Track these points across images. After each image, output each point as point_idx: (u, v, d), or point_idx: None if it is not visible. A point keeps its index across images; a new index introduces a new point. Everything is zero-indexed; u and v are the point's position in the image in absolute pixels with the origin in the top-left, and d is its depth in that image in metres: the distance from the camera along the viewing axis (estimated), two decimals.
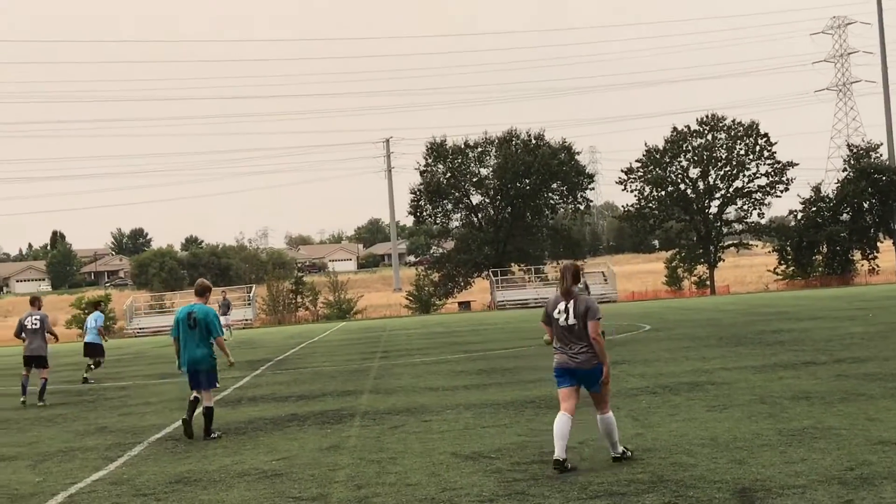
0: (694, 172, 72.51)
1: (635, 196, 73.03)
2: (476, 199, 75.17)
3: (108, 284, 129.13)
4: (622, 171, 73.42)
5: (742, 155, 71.37)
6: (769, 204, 72.44)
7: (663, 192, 72.45)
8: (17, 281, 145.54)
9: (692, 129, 72.15)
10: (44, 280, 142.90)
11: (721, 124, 71.75)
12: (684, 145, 72.15)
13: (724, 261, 75.50)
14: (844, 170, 71.29)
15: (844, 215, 69.32)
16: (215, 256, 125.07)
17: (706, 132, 71.95)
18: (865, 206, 68.93)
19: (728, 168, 71.57)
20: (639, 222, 74.65)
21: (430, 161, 74.62)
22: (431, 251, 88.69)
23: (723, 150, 71.62)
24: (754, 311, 31.21)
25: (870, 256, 68.04)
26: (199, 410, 10.48)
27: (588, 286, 21.13)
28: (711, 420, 9.28)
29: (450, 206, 75.28)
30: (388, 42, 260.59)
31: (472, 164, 74.94)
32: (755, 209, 72.32)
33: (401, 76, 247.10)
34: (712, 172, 71.91)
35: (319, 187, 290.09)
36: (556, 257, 74.52)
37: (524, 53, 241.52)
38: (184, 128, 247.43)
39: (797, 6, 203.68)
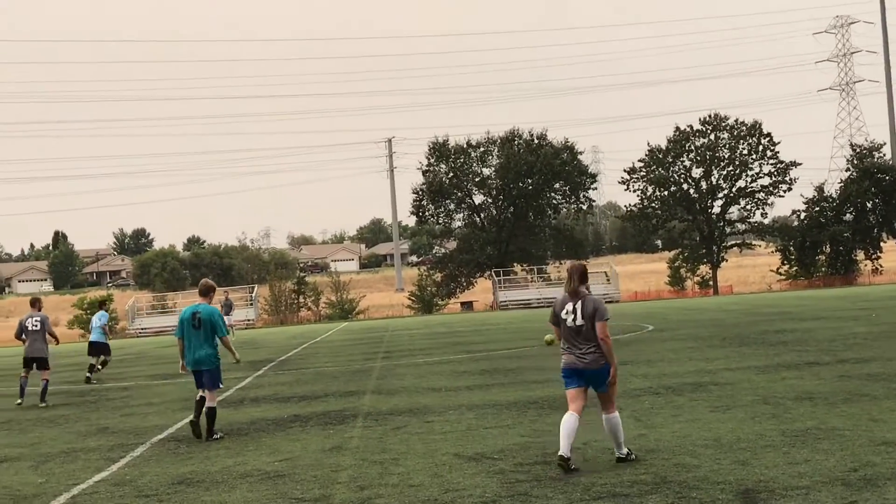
0: (697, 172, 72.50)
1: (638, 196, 73.09)
2: (478, 198, 75.26)
3: (110, 285, 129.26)
4: (625, 170, 73.53)
5: (745, 155, 71.34)
6: (772, 204, 72.56)
7: (666, 192, 72.43)
8: (19, 281, 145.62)
9: (695, 128, 72.14)
10: (46, 280, 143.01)
11: (724, 124, 71.72)
12: (687, 145, 72.13)
13: (727, 261, 75.48)
14: (847, 170, 71.23)
15: (848, 215, 69.29)
16: (217, 256, 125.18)
17: (709, 132, 71.92)
18: (868, 205, 68.87)
19: (731, 168, 71.54)
20: (641, 222, 74.64)
21: (432, 161, 74.66)
22: (434, 251, 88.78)
23: (726, 150, 71.59)
24: (757, 312, 31.17)
25: (873, 256, 67.99)
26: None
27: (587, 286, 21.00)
28: (715, 421, 9.25)
29: (452, 206, 75.32)
30: (389, 42, 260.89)
31: (475, 164, 74.97)
32: (758, 209, 72.34)
33: (403, 76, 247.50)
34: (715, 172, 71.88)
35: (322, 187, 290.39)
36: (559, 257, 74.55)
37: (527, 53, 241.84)
38: (186, 128, 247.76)
39: (800, 6, 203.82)
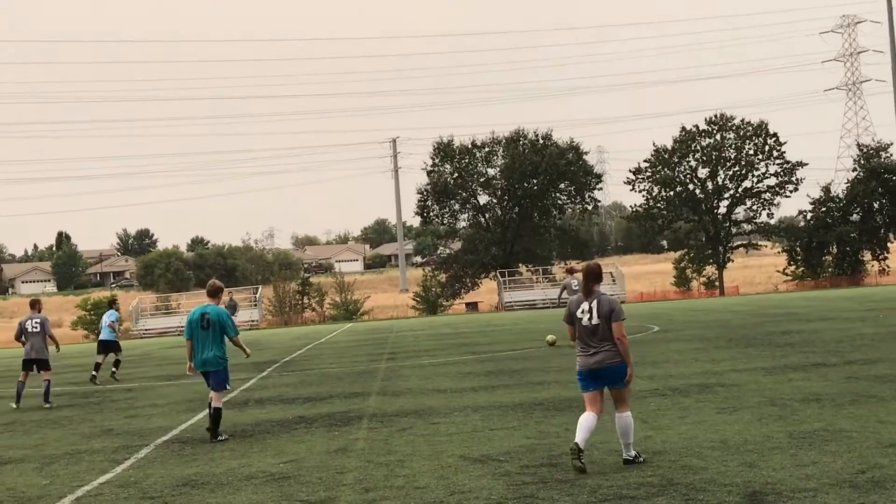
0: (703, 172, 72.34)
1: (643, 196, 72.93)
2: (483, 199, 75.17)
3: (113, 285, 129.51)
4: (630, 171, 73.35)
5: (751, 155, 71.17)
6: (778, 204, 72.37)
7: (672, 193, 72.30)
8: (23, 282, 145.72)
9: (701, 128, 71.98)
10: (49, 281, 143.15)
11: (730, 124, 71.56)
12: (693, 145, 71.98)
13: (733, 261, 75.31)
14: (854, 170, 71.00)
15: (854, 216, 69.06)
16: (221, 257, 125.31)
17: (715, 132, 71.76)
18: (875, 206, 68.65)
19: (737, 168, 71.37)
20: (647, 222, 74.50)
21: (437, 161, 74.63)
22: (438, 252, 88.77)
23: (732, 150, 71.43)
24: (764, 313, 31.09)
25: (880, 257, 67.78)
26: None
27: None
28: (721, 422, 9.21)
29: (457, 207, 75.26)
30: (391, 42, 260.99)
31: (480, 164, 74.91)
32: (764, 209, 72.13)
33: (405, 76, 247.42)
34: (721, 172, 71.72)
35: (326, 188, 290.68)
36: (564, 258, 74.46)
37: (530, 53, 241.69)
38: (189, 128, 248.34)
39: (807, 5, 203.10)
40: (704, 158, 71.86)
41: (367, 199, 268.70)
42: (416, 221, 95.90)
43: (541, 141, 73.87)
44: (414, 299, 71.22)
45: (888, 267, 67.43)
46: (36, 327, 15.38)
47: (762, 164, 71.16)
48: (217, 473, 8.43)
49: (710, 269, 72.43)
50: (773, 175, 71.20)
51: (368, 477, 7.78)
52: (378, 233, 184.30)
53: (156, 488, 7.95)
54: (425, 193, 73.61)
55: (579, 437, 7.35)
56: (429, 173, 74.44)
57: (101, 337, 20.59)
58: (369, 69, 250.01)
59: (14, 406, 15.35)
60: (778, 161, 70.92)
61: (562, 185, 73.63)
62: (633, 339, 21.92)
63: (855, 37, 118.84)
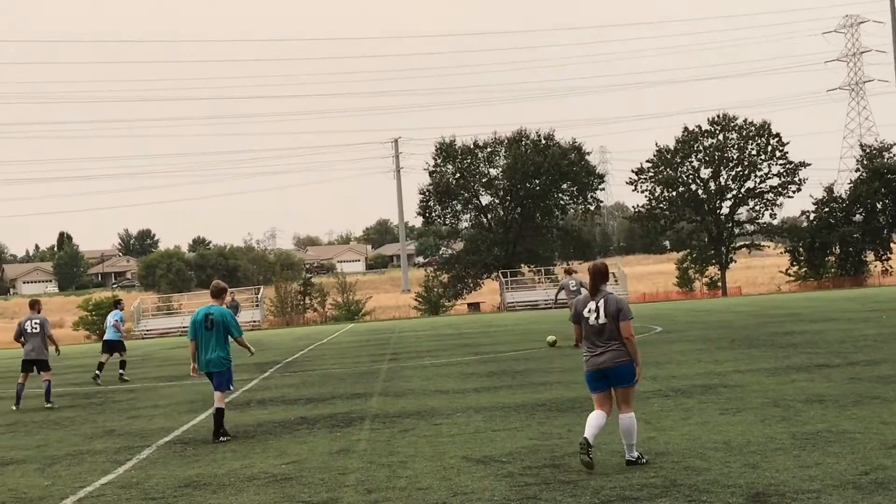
0: (705, 173, 72.29)
1: (646, 196, 72.90)
2: (485, 199, 75.12)
3: (115, 286, 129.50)
4: (633, 171, 73.31)
5: (754, 155, 71.11)
6: (781, 204, 72.20)
7: (674, 193, 72.26)
8: (24, 282, 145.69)
9: (703, 129, 71.93)
10: (51, 281, 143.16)
11: (732, 124, 71.51)
12: (695, 145, 71.94)
13: (735, 262, 75.25)
14: (857, 170, 70.93)
15: (857, 216, 69.01)
16: (223, 257, 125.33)
17: (717, 132, 71.72)
18: (878, 206, 68.56)
19: (740, 168, 71.32)
20: (649, 223, 74.45)
21: (439, 161, 74.60)
22: (440, 252, 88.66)
23: (734, 151, 71.37)
24: (766, 313, 31.05)
25: (883, 258, 67.70)
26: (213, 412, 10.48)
27: (585, 285, 20.90)
28: (724, 423, 9.19)
29: (459, 207, 75.23)
30: (392, 42, 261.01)
31: (482, 165, 74.88)
32: (767, 210, 72.08)
33: (406, 76, 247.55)
34: (724, 173, 71.67)
35: (327, 188, 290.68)
36: (566, 258, 74.42)
37: (532, 53, 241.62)
38: (189, 128, 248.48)
39: (810, 5, 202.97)
40: (707, 159, 71.81)
41: (369, 200, 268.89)
42: (418, 222, 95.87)
43: (543, 141, 73.83)
44: (416, 300, 71.18)
45: (891, 267, 67.36)
46: (35, 328, 15.34)
47: (765, 164, 71.11)
48: (219, 474, 8.42)
49: (712, 270, 72.37)
50: (775, 175, 71.16)
51: (371, 478, 7.77)
52: (380, 233, 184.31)
53: (158, 489, 7.94)
54: (427, 194, 73.58)
55: (588, 432, 7.38)
56: (431, 173, 74.42)
57: (106, 337, 20.73)
58: (369, 69, 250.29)
59: (14, 408, 15.33)
60: (781, 161, 70.86)
61: (564, 186, 73.58)
62: (636, 340, 21.89)
63: (858, 37, 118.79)
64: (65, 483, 8.55)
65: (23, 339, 15.43)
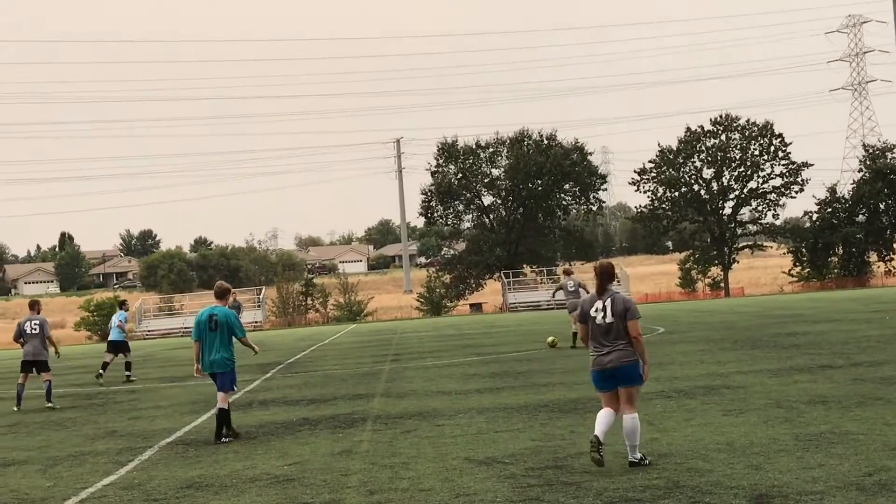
0: (708, 173, 72.29)
1: (648, 197, 72.94)
2: (488, 199, 75.17)
3: (116, 286, 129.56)
4: (635, 171, 73.35)
5: (756, 155, 71.09)
6: (784, 205, 72.30)
7: (677, 193, 72.24)
8: (26, 283, 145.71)
9: (706, 129, 71.93)
10: (52, 282, 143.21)
11: (735, 124, 71.49)
12: (698, 146, 71.92)
13: (738, 262, 75.22)
14: (860, 170, 70.87)
15: (860, 216, 68.95)
16: (224, 258, 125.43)
17: (720, 132, 71.70)
18: (881, 207, 68.49)
19: (742, 169, 71.29)
20: (652, 223, 74.43)
21: (441, 162, 74.62)
22: (442, 252, 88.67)
23: (737, 151, 71.35)
24: (769, 314, 31.02)
25: (886, 258, 67.65)
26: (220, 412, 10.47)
27: (584, 286, 20.91)
28: (727, 424, 9.17)
29: (461, 207, 75.27)
30: (392, 42, 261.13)
31: (484, 165, 74.91)
32: (770, 210, 72.06)
33: (407, 76, 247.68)
34: (726, 173, 71.64)
35: (329, 188, 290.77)
36: (569, 259, 74.42)
37: (531, 53, 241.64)
38: (190, 128, 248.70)
39: (812, 5, 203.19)
40: (709, 159, 71.79)
41: (371, 200, 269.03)
42: (420, 222, 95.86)
43: (545, 141, 73.83)
44: (418, 300, 71.18)
45: (894, 268, 67.29)
46: (35, 329, 15.31)
47: (767, 164, 71.10)
48: (221, 475, 8.41)
49: (715, 271, 72.33)
50: (778, 176, 71.15)
51: (373, 479, 7.75)
52: (382, 233, 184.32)
53: (160, 490, 7.93)
54: (429, 194, 73.58)
55: (598, 430, 7.39)
56: (433, 174, 74.43)
57: (111, 337, 20.80)
58: (370, 69, 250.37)
59: (15, 409, 15.33)
60: (783, 162, 70.84)
61: (566, 186, 73.59)
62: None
63: (861, 37, 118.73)
64: (67, 484, 8.54)
65: (22, 339, 15.42)
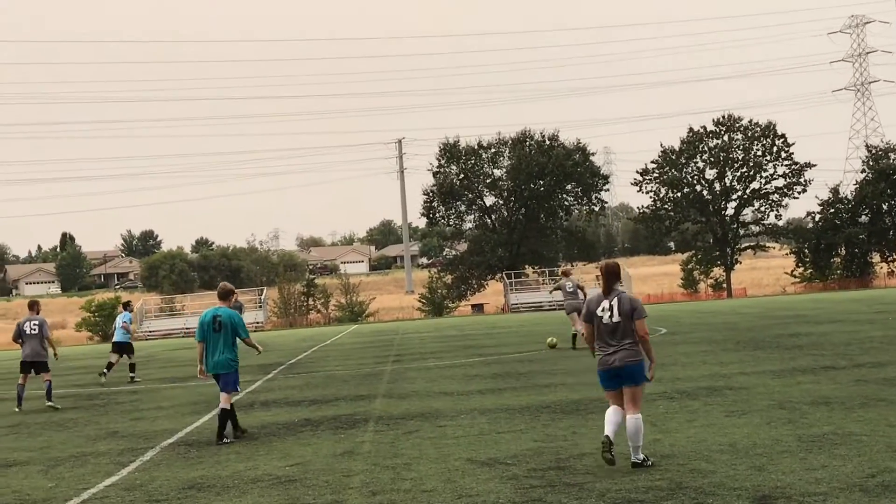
0: (710, 173, 72.22)
1: (651, 197, 72.87)
2: (489, 200, 75.15)
3: (117, 287, 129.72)
4: (637, 172, 73.34)
5: (759, 156, 71.02)
6: (786, 205, 72.13)
7: (679, 194, 72.18)
8: (27, 283, 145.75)
9: (708, 129, 71.87)
10: (53, 282, 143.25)
11: (738, 125, 71.43)
12: (700, 146, 71.87)
13: (740, 263, 75.15)
14: (863, 171, 70.80)
15: (863, 217, 68.88)
16: (226, 258, 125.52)
17: (722, 133, 71.64)
18: (884, 207, 68.42)
19: (745, 169, 71.22)
20: (654, 224, 74.38)
21: (443, 162, 74.61)
22: (444, 253, 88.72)
23: (739, 151, 71.30)
24: (772, 315, 30.98)
25: (889, 259, 67.57)
26: (224, 412, 10.47)
27: (582, 287, 20.88)
28: (730, 426, 9.15)
29: (463, 208, 75.25)
30: (392, 42, 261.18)
31: (486, 165, 74.89)
32: (772, 211, 71.97)
33: (407, 77, 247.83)
34: (729, 173, 71.58)
35: (330, 189, 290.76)
36: (571, 259, 74.42)
37: (532, 53, 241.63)
38: (190, 129, 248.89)
39: (815, 5, 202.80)
40: (712, 159, 71.73)
41: (372, 201, 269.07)
42: (421, 223, 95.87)
43: (547, 142, 73.81)
44: (420, 301, 71.17)
45: None
46: (34, 329, 15.27)
47: (770, 165, 71.03)
48: (223, 476, 8.40)
49: (717, 271, 72.28)
50: (781, 176, 71.07)
51: (375, 480, 7.74)
52: (383, 234, 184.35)
53: (161, 491, 7.93)
54: (431, 195, 73.57)
55: (608, 429, 7.39)
56: (435, 174, 74.41)
57: (115, 338, 20.86)
58: (370, 70, 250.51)
59: (17, 409, 15.32)
60: (786, 162, 70.76)
61: (568, 187, 73.56)
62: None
63: (863, 37, 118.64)
64: (68, 485, 8.54)
65: (21, 340, 15.40)
